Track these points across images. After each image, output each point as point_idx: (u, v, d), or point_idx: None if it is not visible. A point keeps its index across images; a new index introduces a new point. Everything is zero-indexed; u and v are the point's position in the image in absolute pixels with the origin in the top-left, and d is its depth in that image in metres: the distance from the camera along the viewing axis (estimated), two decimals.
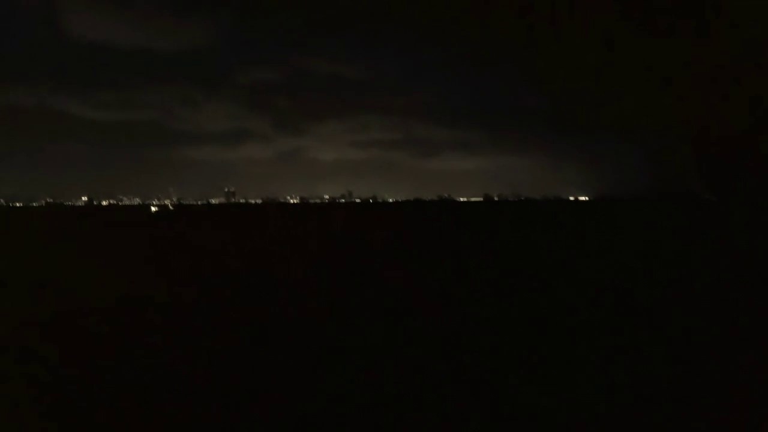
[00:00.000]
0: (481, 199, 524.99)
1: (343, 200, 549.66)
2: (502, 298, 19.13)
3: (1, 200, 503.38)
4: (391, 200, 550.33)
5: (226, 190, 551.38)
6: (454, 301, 18.83)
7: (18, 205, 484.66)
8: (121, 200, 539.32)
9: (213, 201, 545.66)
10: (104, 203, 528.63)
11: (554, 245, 40.54)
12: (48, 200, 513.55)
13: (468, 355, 12.31)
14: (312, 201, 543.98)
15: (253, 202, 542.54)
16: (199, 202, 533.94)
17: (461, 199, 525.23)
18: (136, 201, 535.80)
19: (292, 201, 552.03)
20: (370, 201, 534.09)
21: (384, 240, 47.95)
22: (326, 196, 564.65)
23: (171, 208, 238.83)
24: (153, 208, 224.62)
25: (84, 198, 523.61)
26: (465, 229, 62.95)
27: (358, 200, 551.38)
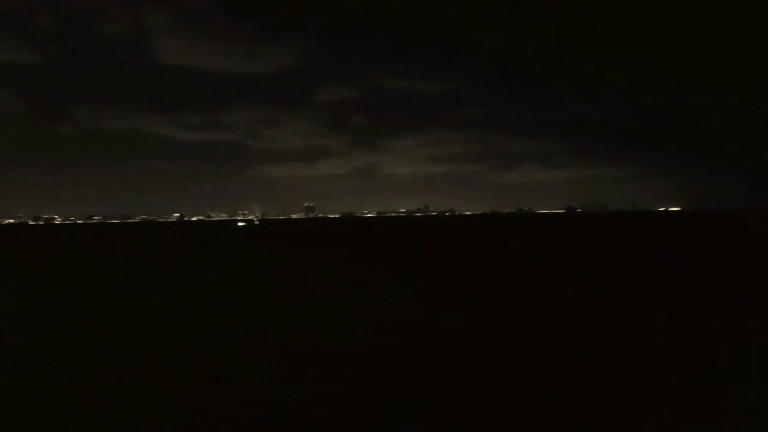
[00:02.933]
0: (563, 210, 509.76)
1: (420, 214, 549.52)
2: (588, 310, 19.41)
3: (100, 217, 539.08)
4: (468, 213, 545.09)
5: (305, 205, 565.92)
6: (539, 313, 19.31)
7: (115, 221, 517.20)
8: (210, 216, 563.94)
9: (293, 216, 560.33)
10: (194, 219, 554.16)
11: (646, 256, 39.67)
12: (143, 217, 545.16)
13: (558, 363, 12.97)
14: (389, 215, 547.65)
15: (331, 216, 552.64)
16: (281, 217, 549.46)
17: (542, 212, 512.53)
18: (223, 216, 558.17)
19: (369, 215, 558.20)
20: (447, 214, 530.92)
21: (462, 253, 48.35)
22: (403, 210, 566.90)
23: (256, 222, 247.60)
24: (240, 223, 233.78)
25: (176, 214, 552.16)
26: (545, 241, 62.17)
27: (434, 213, 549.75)
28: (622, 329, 15.56)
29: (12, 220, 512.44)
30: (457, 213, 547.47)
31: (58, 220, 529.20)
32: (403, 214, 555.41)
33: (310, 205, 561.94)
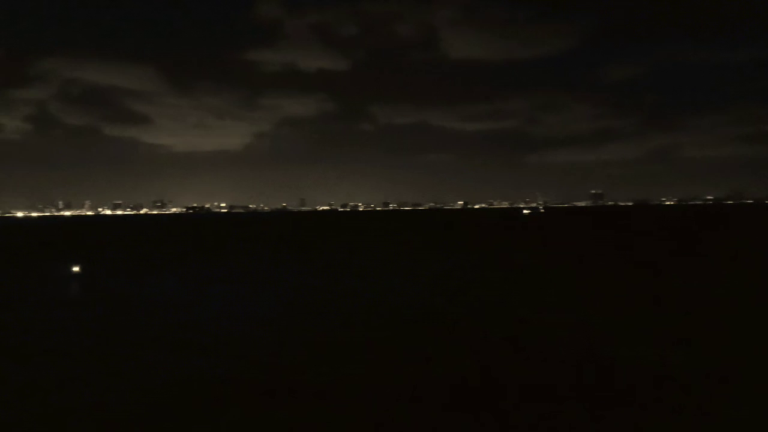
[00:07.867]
0: None
1: (731, 201, 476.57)
2: None
3: (395, 205, 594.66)
4: None
5: (592, 192, 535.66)
6: None
7: (407, 209, 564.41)
8: (492, 204, 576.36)
9: (578, 204, 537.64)
10: (476, 207, 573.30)
11: None
12: (431, 204, 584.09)
13: None
14: (692, 203, 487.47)
15: (622, 204, 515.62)
16: (566, 205, 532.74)
17: None
18: (504, 204, 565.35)
19: (667, 203, 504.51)
20: (767, 202, 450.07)
21: None
22: (710, 198, 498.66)
23: (542, 210, 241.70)
24: (525, 211, 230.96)
25: (460, 202, 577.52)
26: None
27: (749, 202, 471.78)
28: None
29: (326, 207, 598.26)
30: None
31: (361, 207, 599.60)
32: (710, 202, 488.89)
33: (598, 192, 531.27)
